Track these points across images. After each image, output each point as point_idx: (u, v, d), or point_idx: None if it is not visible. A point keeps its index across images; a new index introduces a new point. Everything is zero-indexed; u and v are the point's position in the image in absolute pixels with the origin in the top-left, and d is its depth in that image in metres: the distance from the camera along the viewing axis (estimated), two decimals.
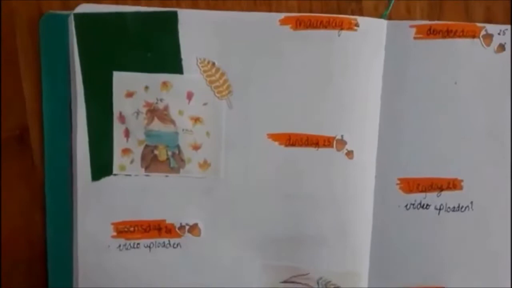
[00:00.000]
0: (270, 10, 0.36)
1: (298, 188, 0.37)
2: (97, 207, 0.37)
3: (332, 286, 0.38)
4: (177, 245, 0.38)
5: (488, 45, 0.35)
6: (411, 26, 0.35)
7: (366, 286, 0.38)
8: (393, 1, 0.35)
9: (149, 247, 0.38)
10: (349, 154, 0.36)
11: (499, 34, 0.35)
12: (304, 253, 0.38)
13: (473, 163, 0.36)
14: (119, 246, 0.38)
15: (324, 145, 0.36)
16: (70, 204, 0.37)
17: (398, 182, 0.37)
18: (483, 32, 0.35)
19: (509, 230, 0.37)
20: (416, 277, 0.37)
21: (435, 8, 0.36)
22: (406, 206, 0.37)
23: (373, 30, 0.35)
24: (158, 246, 0.38)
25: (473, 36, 0.35)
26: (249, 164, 0.37)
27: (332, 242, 0.37)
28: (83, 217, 0.37)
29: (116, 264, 0.38)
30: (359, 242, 0.37)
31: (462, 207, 0.36)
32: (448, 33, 0.35)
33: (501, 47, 0.35)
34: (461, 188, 0.36)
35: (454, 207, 0.36)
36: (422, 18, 0.36)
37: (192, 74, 0.36)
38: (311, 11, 0.36)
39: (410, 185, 0.36)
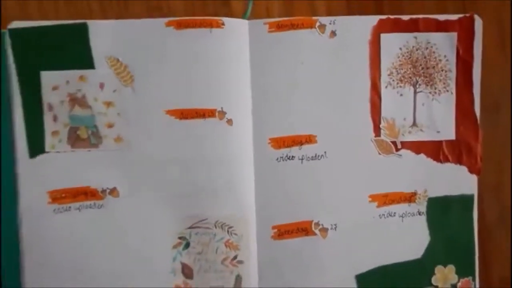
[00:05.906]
0: (162, 15, 0.47)
1: (192, 153, 0.47)
2: (35, 179, 0.46)
3: (227, 227, 0.48)
4: (101, 206, 0.47)
5: (323, 32, 0.47)
6: (265, 23, 0.47)
7: (255, 227, 0.48)
8: (250, 6, 0.47)
9: (79, 209, 0.47)
10: (229, 121, 0.47)
11: (330, 24, 0.46)
12: (202, 204, 0.48)
13: (324, 122, 0.47)
14: (54, 210, 0.47)
15: (209, 116, 0.47)
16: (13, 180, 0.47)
17: (269, 141, 0.47)
18: (317, 23, 0.46)
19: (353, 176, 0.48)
20: (290, 215, 0.48)
21: (288, 7, 0.48)
22: (277, 159, 0.47)
23: (237, 27, 0.46)
24: (86, 208, 0.47)
25: (311, 27, 0.46)
26: (153, 136, 0.47)
27: (222, 193, 0.47)
28: (23, 189, 0.47)
29: (53, 225, 0.47)
30: (245, 192, 0.48)
31: (318, 156, 0.47)
32: (292, 26, 0.46)
33: (333, 33, 0.47)
34: (316, 141, 0.47)
35: (312, 157, 0.47)
36: (279, 16, 0.47)
37: (102, 69, 0.46)
38: (194, 15, 0.47)
39: (279, 143, 0.47)
